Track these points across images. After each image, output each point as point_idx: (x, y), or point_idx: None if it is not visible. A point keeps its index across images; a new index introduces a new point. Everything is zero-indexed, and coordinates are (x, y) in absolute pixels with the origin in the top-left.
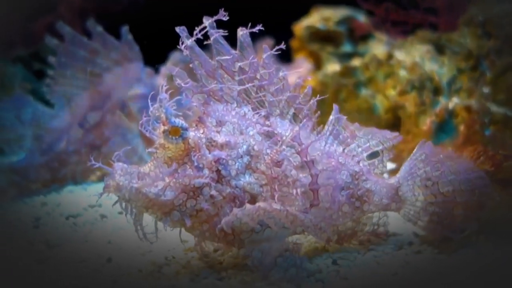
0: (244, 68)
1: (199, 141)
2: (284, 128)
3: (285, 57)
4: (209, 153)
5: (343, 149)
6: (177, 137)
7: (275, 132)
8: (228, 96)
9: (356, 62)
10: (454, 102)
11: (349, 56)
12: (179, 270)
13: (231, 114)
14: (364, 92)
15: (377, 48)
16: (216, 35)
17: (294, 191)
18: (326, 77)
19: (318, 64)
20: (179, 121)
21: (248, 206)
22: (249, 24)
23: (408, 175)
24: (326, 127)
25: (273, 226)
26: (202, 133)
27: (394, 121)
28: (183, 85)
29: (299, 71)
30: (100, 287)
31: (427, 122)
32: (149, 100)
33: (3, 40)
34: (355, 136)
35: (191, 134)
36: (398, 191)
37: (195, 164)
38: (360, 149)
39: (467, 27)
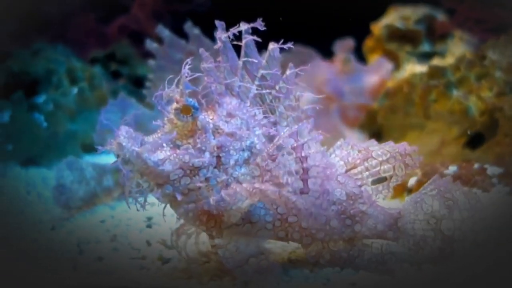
0: (266, 77)
1: (206, 125)
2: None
3: (359, 57)
4: (214, 138)
5: (346, 171)
6: (187, 116)
7: None
8: (243, 95)
9: (438, 61)
10: None
11: (427, 55)
12: None
13: (242, 110)
14: (456, 93)
15: (457, 47)
16: (248, 39)
17: (285, 178)
18: (414, 77)
19: (396, 64)
20: (192, 101)
21: (244, 184)
22: (281, 41)
23: (412, 208)
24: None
25: (268, 204)
26: (211, 119)
27: (491, 123)
28: (207, 67)
29: (380, 72)
30: None
31: None
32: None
33: (77, 42)
34: (368, 158)
35: (201, 116)
36: (397, 222)
37: (198, 145)
38: (367, 173)
39: None
